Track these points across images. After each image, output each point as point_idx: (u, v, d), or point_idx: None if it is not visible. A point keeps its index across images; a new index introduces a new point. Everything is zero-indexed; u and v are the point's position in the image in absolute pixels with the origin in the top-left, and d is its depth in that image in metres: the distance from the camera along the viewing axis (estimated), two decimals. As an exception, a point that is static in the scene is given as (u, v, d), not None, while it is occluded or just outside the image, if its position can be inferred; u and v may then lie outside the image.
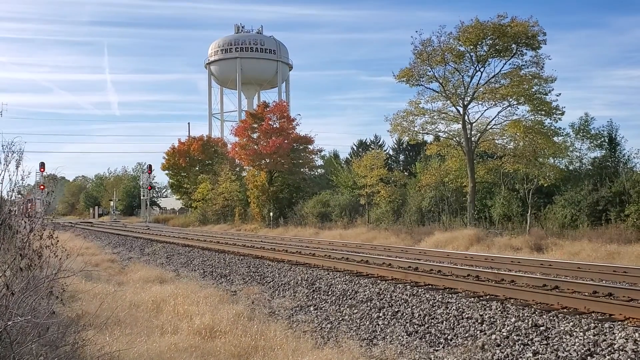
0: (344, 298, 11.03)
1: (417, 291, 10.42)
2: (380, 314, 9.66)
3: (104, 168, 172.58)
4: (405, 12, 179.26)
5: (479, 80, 28.70)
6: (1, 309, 4.81)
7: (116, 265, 19.36)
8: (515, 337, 7.52)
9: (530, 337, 7.40)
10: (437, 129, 31.10)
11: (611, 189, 23.27)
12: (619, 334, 6.88)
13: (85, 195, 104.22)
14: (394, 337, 8.57)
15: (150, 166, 67.07)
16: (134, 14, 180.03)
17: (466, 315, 8.66)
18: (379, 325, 9.22)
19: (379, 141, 51.45)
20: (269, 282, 13.74)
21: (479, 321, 8.32)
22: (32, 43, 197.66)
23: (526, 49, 27.41)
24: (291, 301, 11.64)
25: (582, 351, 6.67)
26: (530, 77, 27.51)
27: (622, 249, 17.56)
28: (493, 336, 7.70)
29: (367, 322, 9.43)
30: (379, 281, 11.70)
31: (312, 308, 10.92)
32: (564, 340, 7.08)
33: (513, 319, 8.06)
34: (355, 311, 10.12)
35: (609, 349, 6.60)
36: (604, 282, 11.40)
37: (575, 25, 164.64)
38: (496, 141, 29.41)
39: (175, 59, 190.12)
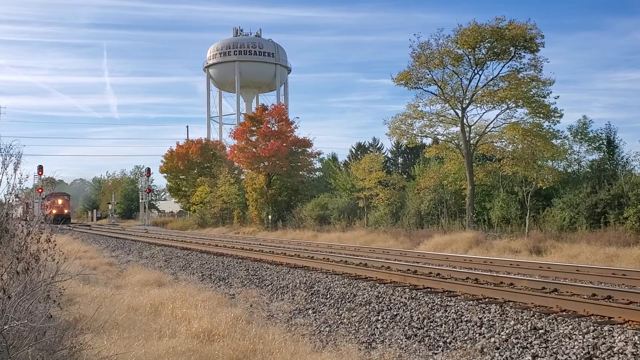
0: (343, 301, 11.01)
1: (416, 294, 10.40)
2: (379, 317, 9.64)
3: (102, 171, 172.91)
4: (404, 14, 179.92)
5: (477, 83, 28.77)
6: (-2, 313, 4.79)
7: (114, 268, 19.31)
8: (514, 340, 7.50)
9: (530, 340, 7.38)
10: (435, 132, 31.16)
11: (610, 191, 23.27)
12: (619, 337, 6.87)
13: (83, 198, 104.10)
14: (392, 340, 8.55)
15: (148, 169, 67.00)
16: (133, 17, 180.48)
17: (465, 319, 8.64)
18: (377, 328, 9.20)
19: (378, 144, 51.54)
20: (268, 285, 13.72)
21: (478, 324, 8.31)
22: (30, 45, 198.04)
23: (524, 52, 27.45)
24: (290, 304, 11.62)
25: (582, 354, 6.65)
26: (528, 79, 27.54)
27: (621, 251, 17.55)
28: (492, 339, 7.68)
29: (366, 326, 9.41)
30: (377, 284, 11.68)
31: (310, 311, 10.89)
32: (563, 343, 7.06)
33: (512, 322, 8.04)
34: (354, 314, 10.10)
35: (609, 352, 6.58)
36: (602, 284, 11.38)
37: (575, 27, 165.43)
38: (495, 144, 29.43)
39: (174, 61, 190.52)
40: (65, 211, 66.84)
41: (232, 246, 24.05)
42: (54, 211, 61.05)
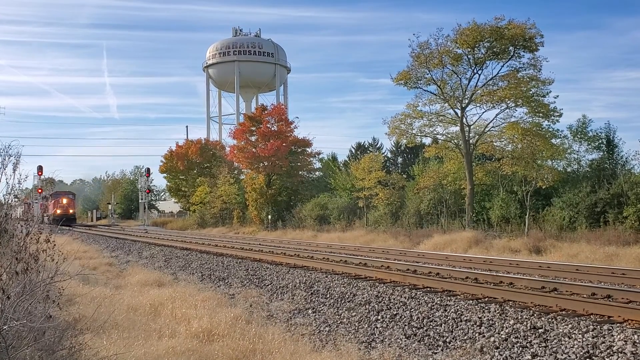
0: (342, 301, 11.01)
1: (416, 294, 10.39)
2: (379, 317, 9.64)
3: (102, 171, 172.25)
4: (404, 14, 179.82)
5: (476, 83, 28.80)
6: (-3, 313, 4.78)
7: (114, 268, 19.31)
8: (513, 339, 7.50)
9: (529, 339, 7.38)
10: (435, 132, 31.21)
11: (609, 190, 23.27)
12: (618, 336, 6.87)
13: (83, 198, 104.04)
14: (392, 340, 8.55)
15: (148, 169, 66.90)
16: (133, 17, 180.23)
17: (465, 318, 8.64)
18: (377, 328, 9.20)
19: (377, 144, 51.54)
20: (267, 285, 13.72)
21: (478, 324, 8.31)
22: (30, 46, 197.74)
23: (524, 51, 27.47)
24: (289, 304, 11.62)
25: (581, 353, 6.66)
26: (527, 79, 27.57)
27: (621, 250, 17.55)
28: (492, 339, 7.68)
29: (366, 325, 9.41)
30: (377, 284, 11.68)
31: (310, 311, 10.89)
32: (563, 342, 7.06)
33: (512, 322, 8.04)
34: (354, 314, 10.09)
35: (608, 351, 6.58)
36: (602, 284, 11.39)
37: (575, 27, 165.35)
38: (494, 143, 29.46)
39: (174, 61, 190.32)
40: (71, 211, 63.60)
41: (232, 246, 24.05)
42: (59, 211, 59.05)
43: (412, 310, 9.53)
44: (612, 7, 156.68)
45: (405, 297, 10.26)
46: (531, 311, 8.35)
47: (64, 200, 63.25)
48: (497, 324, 8.12)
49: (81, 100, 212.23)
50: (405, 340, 8.42)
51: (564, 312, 8.18)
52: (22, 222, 6.62)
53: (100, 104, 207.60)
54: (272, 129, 44.97)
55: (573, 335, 7.16)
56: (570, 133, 28.19)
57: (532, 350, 7.07)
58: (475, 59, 27.99)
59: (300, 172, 46.37)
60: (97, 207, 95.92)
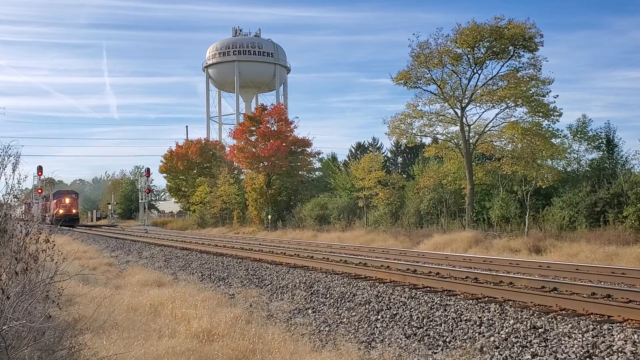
0: (342, 301, 11.01)
1: (416, 293, 10.39)
2: (379, 317, 9.64)
3: (102, 171, 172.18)
4: (404, 14, 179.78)
5: (476, 83, 28.79)
6: (-4, 313, 4.78)
7: (114, 268, 19.31)
8: (513, 339, 7.50)
9: (529, 339, 7.38)
10: (435, 131, 31.19)
11: (609, 190, 23.27)
12: (618, 336, 6.87)
13: (83, 198, 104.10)
14: (392, 339, 8.55)
15: (148, 169, 66.78)
16: (133, 17, 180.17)
17: (465, 318, 8.64)
18: (377, 328, 9.20)
19: (377, 143, 51.52)
20: (267, 285, 13.72)
21: (478, 323, 8.31)
22: (29, 46, 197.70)
23: (523, 51, 27.47)
24: (289, 304, 11.62)
25: (581, 353, 6.65)
26: (527, 78, 27.57)
27: (621, 250, 17.55)
28: (492, 338, 7.68)
29: (366, 325, 9.41)
30: (377, 284, 11.68)
31: (310, 311, 10.89)
32: (563, 342, 7.06)
33: (511, 321, 8.04)
34: (354, 314, 10.09)
35: (608, 350, 6.58)
36: (602, 283, 11.39)
37: (575, 26, 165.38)
38: (494, 143, 29.45)
39: (174, 61, 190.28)
40: (74, 211, 62.33)
41: (232, 246, 24.04)
42: (61, 211, 57.99)
43: (412, 310, 9.53)
44: (612, 7, 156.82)
45: (405, 297, 10.26)
46: (531, 311, 8.35)
47: (67, 200, 62.20)
48: (497, 323, 8.12)
49: (81, 100, 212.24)
50: (405, 340, 8.42)
51: (563, 312, 8.18)
52: (22, 222, 6.62)
53: (100, 104, 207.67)
54: (272, 129, 44.96)
55: (573, 335, 7.16)
56: (570, 133, 28.20)
57: (532, 350, 7.07)
58: (475, 58, 27.99)
59: (300, 172, 46.37)
60: (97, 207, 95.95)
